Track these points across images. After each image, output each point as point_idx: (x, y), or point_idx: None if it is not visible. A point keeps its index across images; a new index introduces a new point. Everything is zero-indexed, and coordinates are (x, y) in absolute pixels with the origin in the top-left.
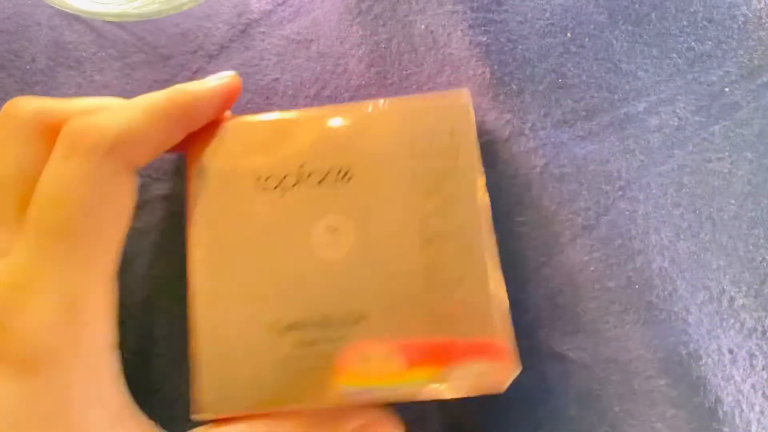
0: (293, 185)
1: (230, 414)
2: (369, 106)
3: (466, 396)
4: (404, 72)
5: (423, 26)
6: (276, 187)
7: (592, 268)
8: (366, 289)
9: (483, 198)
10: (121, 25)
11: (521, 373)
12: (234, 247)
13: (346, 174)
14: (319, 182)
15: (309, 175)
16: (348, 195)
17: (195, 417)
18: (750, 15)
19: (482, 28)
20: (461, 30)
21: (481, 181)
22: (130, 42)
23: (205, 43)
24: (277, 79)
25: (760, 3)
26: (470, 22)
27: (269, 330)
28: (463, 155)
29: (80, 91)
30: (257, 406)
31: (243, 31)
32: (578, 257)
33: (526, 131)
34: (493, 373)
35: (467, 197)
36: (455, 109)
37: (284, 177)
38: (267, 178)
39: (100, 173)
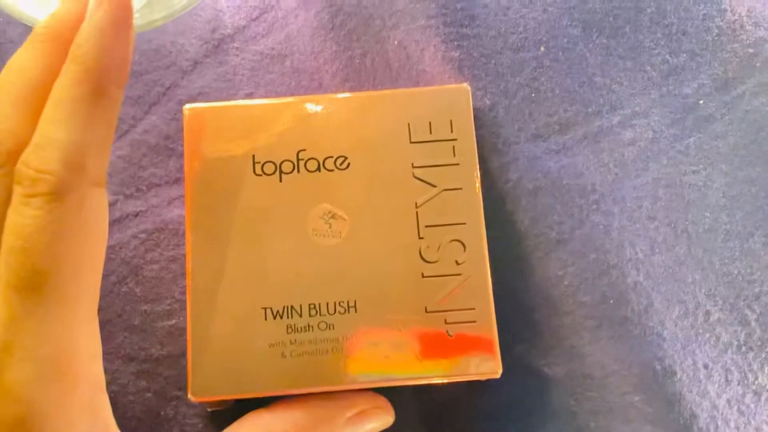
0: (291, 171)
1: (225, 397)
2: (369, 95)
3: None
4: (378, 87)
5: (396, 42)
6: (273, 172)
7: (566, 283)
8: (360, 277)
9: (479, 192)
10: None
11: (497, 388)
12: (230, 233)
13: (344, 161)
14: (317, 169)
15: (307, 162)
16: (345, 182)
17: (191, 398)
18: (724, 27)
19: (455, 43)
20: (434, 45)
21: (477, 174)
22: None
23: (179, 59)
24: (251, 94)
25: (734, 15)
26: (443, 37)
27: (263, 315)
28: (462, 147)
29: None
30: (251, 389)
31: (217, 47)
32: (552, 272)
33: (500, 146)
34: (482, 368)
35: (466, 189)
36: (456, 101)
37: (282, 163)
38: (264, 164)
39: (63, 211)
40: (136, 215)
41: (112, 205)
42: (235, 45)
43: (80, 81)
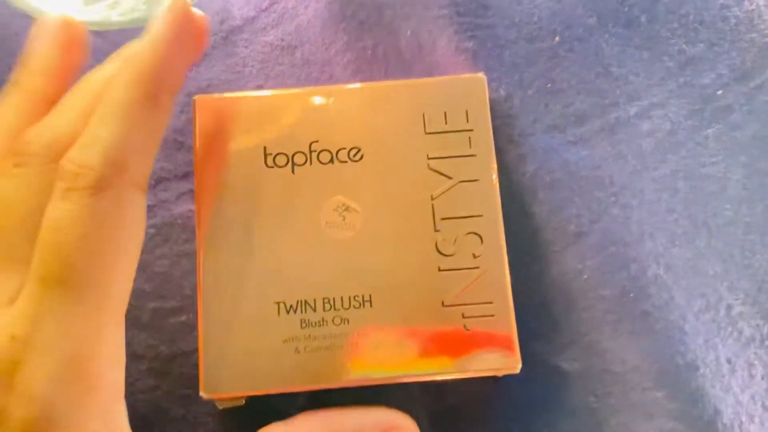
0: (303, 163)
1: (237, 393)
2: (383, 85)
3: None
4: (390, 78)
5: (409, 32)
6: (286, 164)
7: (585, 277)
8: (375, 271)
9: (497, 183)
10: (101, 33)
11: (515, 385)
12: (242, 226)
13: (357, 152)
14: (330, 160)
15: (319, 153)
16: (359, 174)
17: (203, 395)
18: (742, 16)
19: (468, 34)
20: (447, 36)
21: (494, 165)
22: (109, 51)
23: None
24: (260, 86)
25: (751, 4)
26: (456, 27)
27: (277, 309)
28: (478, 138)
29: None
30: (264, 386)
31: (225, 38)
32: (571, 266)
33: (515, 137)
34: (501, 364)
35: (482, 181)
36: (472, 90)
37: (294, 154)
38: (277, 155)
39: (100, 207)
40: (148, 209)
41: None
42: (244, 36)
43: (132, 85)
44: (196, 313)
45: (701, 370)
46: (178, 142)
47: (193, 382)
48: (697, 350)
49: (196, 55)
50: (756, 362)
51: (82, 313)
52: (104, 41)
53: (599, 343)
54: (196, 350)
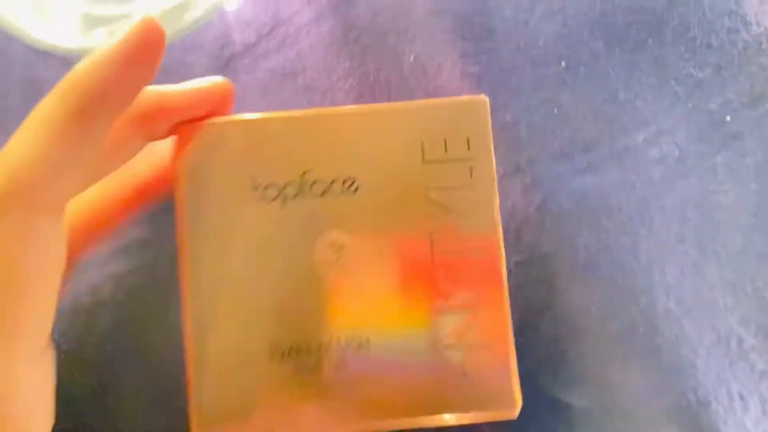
0: (295, 195)
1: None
2: (379, 108)
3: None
4: None
5: (412, 57)
6: (276, 197)
7: (594, 310)
8: (372, 311)
9: (498, 217)
10: None
11: (522, 420)
12: (229, 263)
13: (352, 184)
14: (323, 193)
15: (312, 185)
16: (354, 208)
17: None
18: (750, 40)
19: (473, 58)
20: (452, 60)
21: (497, 198)
22: None
23: (187, 77)
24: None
25: (759, 28)
26: (461, 51)
27: (268, 354)
28: (479, 167)
29: None
30: (255, 429)
31: (226, 65)
32: (579, 298)
33: (522, 165)
34: (498, 408)
35: (483, 214)
36: (473, 114)
37: (285, 186)
38: (266, 187)
39: (1, 231)
40: (144, 243)
41: (119, 231)
42: (245, 62)
43: (58, 99)
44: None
45: (713, 406)
46: None
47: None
48: (708, 385)
49: (206, 110)
50: None
51: None
52: None
53: (608, 378)
54: None
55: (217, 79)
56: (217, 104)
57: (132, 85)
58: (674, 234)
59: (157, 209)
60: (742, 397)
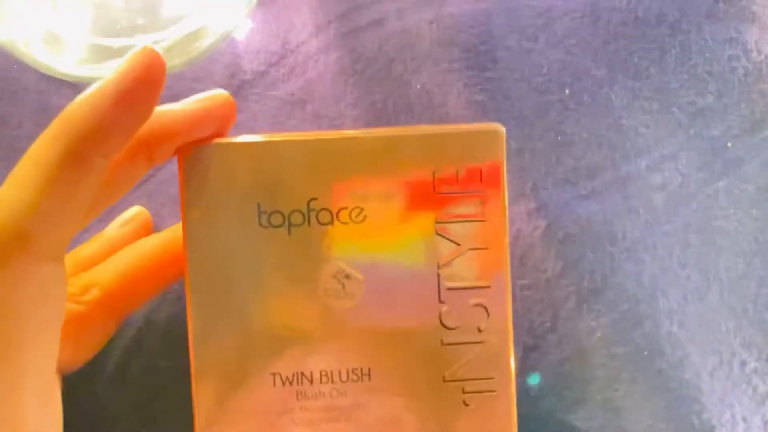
0: (301, 224)
1: None
2: (390, 133)
3: None
4: None
5: (418, 86)
6: (281, 224)
7: (599, 334)
8: (376, 343)
9: (507, 252)
10: None
11: None
12: (234, 291)
13: (360, 213)
14: (330, 221)
15: (319, 213)
16: (361, 237)
17: None
18: (750, 67)
19: (478, 87)
20: (457, 89)
21: (506, 232)
22: None
23: None
24: None
25: (760, 55)
26: (466, 80)
27: (272, 381)
28: (491, 200)
29: None
30: None
31: (236, 93)
32: (585, 322)
33: (527, 191)
34: None
35: (493, 249)
36: (487, 145)
37: (291, 213)
38: (272, 214)
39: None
40: None
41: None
42: (255, 91)
43: (53, 140)
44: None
45: (717, 430)
46: None
47: None
48: (712, 408)
49: (210, 129)
50: None
51: None
52: None
53: (613, 401)
54: None
55: (218, 94)
56: (221, 121)
57: (131, 122)
58: (677, 259)
59: None
60: (745, 420)
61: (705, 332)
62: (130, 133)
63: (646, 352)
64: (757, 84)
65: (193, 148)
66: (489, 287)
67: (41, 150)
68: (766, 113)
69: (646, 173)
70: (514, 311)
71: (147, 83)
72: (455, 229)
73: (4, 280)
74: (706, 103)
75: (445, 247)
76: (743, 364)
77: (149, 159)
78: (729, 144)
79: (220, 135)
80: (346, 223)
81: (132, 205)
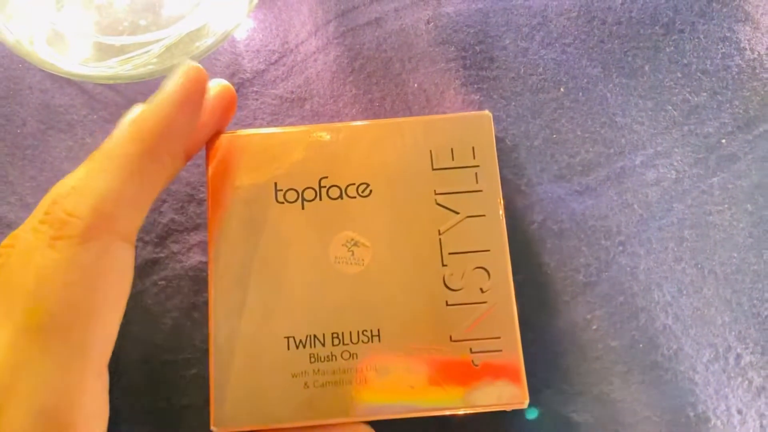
0: (313, 199)
1: (248, 428)
2: (390, 122)
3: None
4: None
5: (416, 84)
6: (296, 200)
7: (594, 327)
8: (384, 305)
9: (503, 218)
10: (113, 87)
11: None
12: (253, 261)
13: (366, 188)
14: (339, 196)
15: (329, 189)
16: (368, 210)
17: (214, 429)
18: (744, 65)
19: (475, 86)
20: (454, 88)
21: (501, 200)
22: (122, 104)
23: None
24: None
25: (753, 53)
26: (463, 80)
27: (286, 344)
28: (484, 173)
29: (71, 155)
30: (274, 420)
31: (236, 91)
32: (580, 316)
33: (523, 187)
34: (509, 398)
35: (489, 216)
36: (478, 127)
37: (304, 190)
38: (287, 191)
39: (86, 257)
40: (156, 262)
41: None
42: (254, 89)
43: (131, 140)
44: (207, 363)
45: (712, 422)
46: (189, 194)
47: None
48: (707, 401)
49: (221, 121)
50: (766, 413)
51: (60, 363)
52: (117, 95)
53: (609, 394)
54: (206, 403)
55: (223, 85)
56: (226, 109)
57: (190, 122)
58: (672, 253)
59: (168, 230)
60: (740, 412)
61: (700, 325)
62: (189, 134)
63: (641, 345)
64: (750, 82)
65: (220, 138)
66: (488, 250)
67: (119, 149)
68: (759, 110)
69: (641, 169)
70: None
71: (198, 93)
72: (454, 200)
73: (90, 252)
74: (700, 100)
75: (445, 216)
76: (738, 357)
77: (188, 154)
78: (723, 141)
79: (227, 120)
80: (354, 197)
81: None
